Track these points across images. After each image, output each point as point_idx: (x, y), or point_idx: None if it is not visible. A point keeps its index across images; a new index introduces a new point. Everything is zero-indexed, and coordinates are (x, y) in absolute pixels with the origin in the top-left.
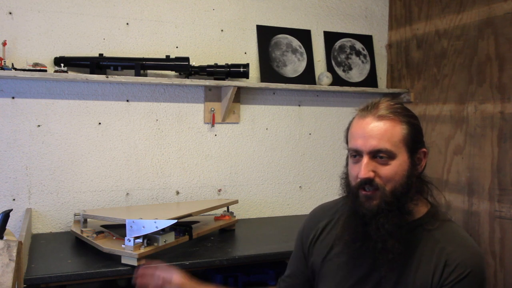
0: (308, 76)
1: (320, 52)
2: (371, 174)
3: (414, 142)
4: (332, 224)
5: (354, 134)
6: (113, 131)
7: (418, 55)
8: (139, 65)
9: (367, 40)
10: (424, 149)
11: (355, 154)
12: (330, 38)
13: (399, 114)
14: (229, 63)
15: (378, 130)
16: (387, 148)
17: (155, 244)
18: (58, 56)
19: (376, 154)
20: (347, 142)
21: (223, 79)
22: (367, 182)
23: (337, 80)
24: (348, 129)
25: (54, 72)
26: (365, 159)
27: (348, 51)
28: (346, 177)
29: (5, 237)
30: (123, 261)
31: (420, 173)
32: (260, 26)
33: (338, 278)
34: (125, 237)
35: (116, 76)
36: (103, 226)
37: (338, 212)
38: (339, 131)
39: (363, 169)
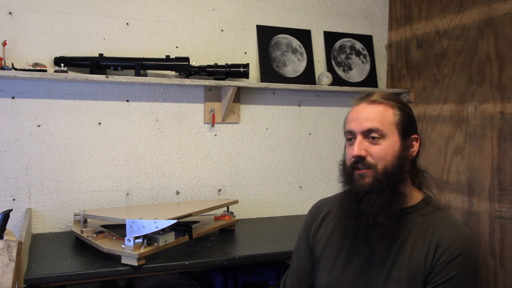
0: (308, 76)
1: (320, 52)
2: (363, 153)
3: (406, 126)
4: (332, 214)
5: (349, 118)
6: (113, 131)
7: (418, 55)
8: (139, 65)
9: (367, 40)
10: (416, 135)
11: (350, 137)
12: (330, 38)
13: (391, 100)
14: (229, 63)
15: (370, 113)
16: (378, 127)
17: (155, 244)
18: (58, 56)
19: (368, 134)
20: (345, 132)
21: (223, 79)
22: (360, 160)
23: (337, 80)
24: (345, 118)
25: (54, 72)
26: (358, 138)
27: (348, 51)
28: (343, 163)
29: (5, 237)
30: (123, 261)
31: (414, 158)
32: (260, 26)
33: (333, 256)
34: (125, 237)
35: (116, 76)
36: (103, 226)
37: (337, 203)
38: (339, 131)
39: (356, 147)
